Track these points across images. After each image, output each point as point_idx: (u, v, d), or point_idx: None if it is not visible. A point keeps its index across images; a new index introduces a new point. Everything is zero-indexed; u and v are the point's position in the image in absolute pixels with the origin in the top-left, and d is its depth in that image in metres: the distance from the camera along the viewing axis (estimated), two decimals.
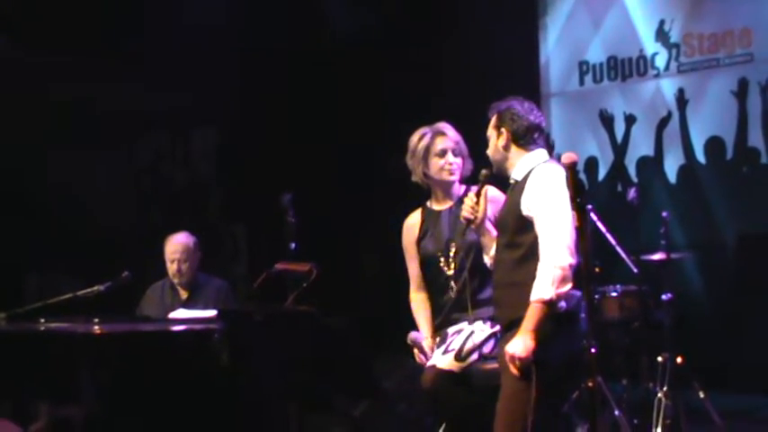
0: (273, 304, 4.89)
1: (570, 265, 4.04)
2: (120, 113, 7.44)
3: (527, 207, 4.16)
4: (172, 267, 6.15)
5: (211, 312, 5.11)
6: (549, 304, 4.02)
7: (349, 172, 8.24)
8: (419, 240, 4.95)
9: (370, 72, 8.25)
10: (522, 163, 4.30)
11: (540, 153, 4.32)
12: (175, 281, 6.17)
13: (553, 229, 4.06)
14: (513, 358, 4.05)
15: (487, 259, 4.47)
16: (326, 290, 4.84)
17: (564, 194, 3.81)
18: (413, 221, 5.00)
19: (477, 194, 4.37)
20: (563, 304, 4.07)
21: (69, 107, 7.26)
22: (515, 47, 8.10)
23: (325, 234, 7.39)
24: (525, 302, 4.06)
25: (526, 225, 4.16)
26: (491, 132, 4.37)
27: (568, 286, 4.05)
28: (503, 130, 4.33)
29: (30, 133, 7.15)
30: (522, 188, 4.21)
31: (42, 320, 4.97)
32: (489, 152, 4.38)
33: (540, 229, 4.09)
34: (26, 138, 7.19)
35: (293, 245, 5.09)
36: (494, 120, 4.37)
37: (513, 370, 4.06)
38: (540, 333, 4.02)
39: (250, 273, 7.32)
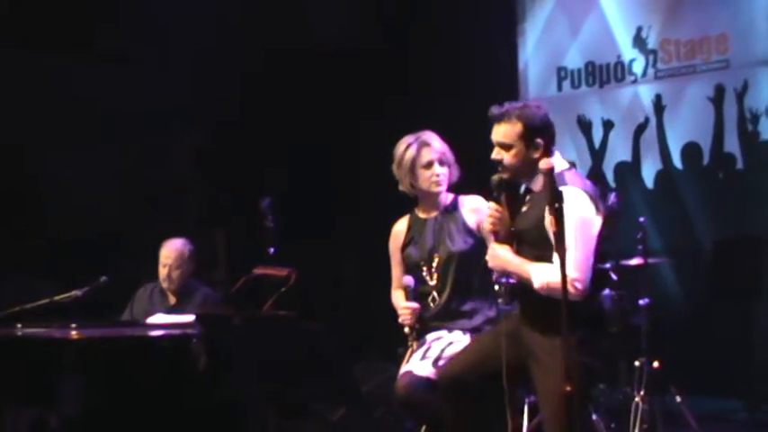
0: (252, 309, 4.88)
1: (577, 290, 3.97)
2: (99, 114, 7.39)
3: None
4: (162, 272, 6.14)
5: (189, 317, 5.10)
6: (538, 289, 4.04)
7: (330, 176, 8.22)
8: (404, 247, 4.96)
9: (352, 76, 8.23)
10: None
11: (558, 160, 4.19)
12: (164, 285, 6.16)
13: (575, 253, 3.94)
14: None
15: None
16: (305, 295, 4.83)
17: (590, 223, 4.03)
18: (400, 228, 5.02)
19: (498, 203, 4.24)
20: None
21: (48, 106, 7.21)
22: (494, 52, 8.11)
23: (304, 238, 7.37)
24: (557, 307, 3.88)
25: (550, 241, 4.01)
26: (515, 142, 4.18)
27: (555, 294, 3.88)
28: (538, 141, 4.18)
29: (6, 132, 7.10)
30: (544, 208, 3.96)
31: (19, 325, 4.93)
32: (510, 162, 4.19)
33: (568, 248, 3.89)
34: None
35: (272, 249, 5.08)
36: (520, 130, 4.17)
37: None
38: (579, 335, 3.89)
39: (229, 277, 7.28)
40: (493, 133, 4.26)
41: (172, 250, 6.14)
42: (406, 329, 4.80)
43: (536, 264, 4.10)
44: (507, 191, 4.26)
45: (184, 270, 6.13)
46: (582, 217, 4.04)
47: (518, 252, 4.23)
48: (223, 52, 7.91)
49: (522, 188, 4.34)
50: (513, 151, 4.19)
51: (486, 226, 4.31)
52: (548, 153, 4.17)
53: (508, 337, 4.20)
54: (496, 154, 4.24)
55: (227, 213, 7.91)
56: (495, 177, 4.23)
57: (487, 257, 4.21)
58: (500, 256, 4.18)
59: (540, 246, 4.10)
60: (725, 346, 6.88)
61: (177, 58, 7.70)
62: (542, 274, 4.04)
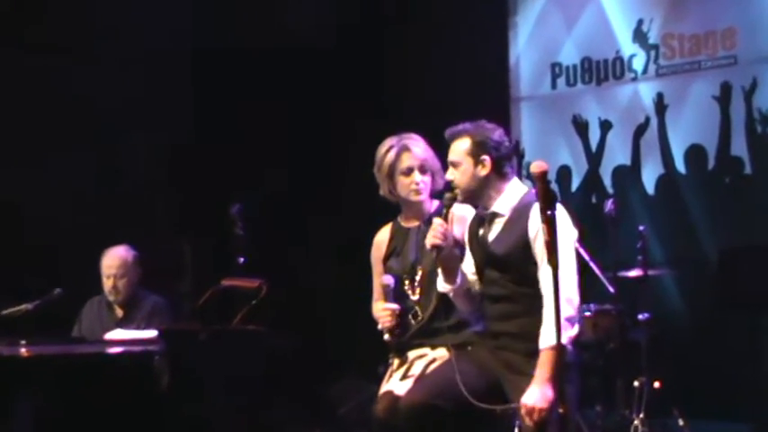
0: (220, 323, 4.89)
1: (575, 308, 4.21)
2: (61, 116, 7.39)
3: (536, 246, 4.27)
4: (107, 283, 6.12)
5: (152, 333, 5.10)
6: (562, 349, 4.07)
7: (303, 182, 8.23)
8: (386, 258, 4.98)
9: (329, 75, 8.26)
10: (506, 194, 4.44)
11: (517, 182, 4.48)
12: (111, 298, 6.15)
13: (565, 271, 4.14)
14: (532, 410, 4.14)
15: (444, 287, 4.53)
16: (278, 308, 4.85)
17: (571, 236, 4.25)
18: (382, 237, 5.04)
19: (445, 218, 4.44)
20: (570, 348, 4.21)
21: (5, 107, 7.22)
22: (483, 47, 8.14)
23: (276, 247, 7.38)
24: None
25: (534, 261, 4.28)
26: (464, 159, 4.44)
27: (577, 328, 4.22)
28: (484, 158, 4.42)
29: None
30: (524, 226, 4.31)
31: None
32: (459, 180, 4.46)
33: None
34: None
35: (242, 259, 5.09)
36: (468, 146, 4.44)
37: (529, 422, 4.14)
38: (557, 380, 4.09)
39: (195, 289, 7.27)
40: (449, 153, 4.54)
41: (114, 259, 6.14)
42: (386, 336, 4.81)
43: (541, 339, 4.19)
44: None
45: (131, 278, 6.13)
46: (569, 232, 4.30)
47: (492, 280, 4.42)
48: (184, 54, 7.94)
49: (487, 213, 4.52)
50: (460, 169, 4.46)
51: (429, 241, 4.41)
52: (500, 175, 4.43)
53: (481, 359, 4.44)
54: (449, 174, 4.52)
55: (194, 220, 7.90)
56: (449, 195, 4.50)
57: (530, 405, 4.16)
58: (534, 391, 4.18)
59: (523, 267, 4.32)
60: (731, 365, 6.90)
61: (135, 56, 7.71)
62: (554, 337, 4.04)
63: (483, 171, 4.42)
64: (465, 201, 4.55)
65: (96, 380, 4.66)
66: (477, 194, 4.47)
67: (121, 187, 7.83)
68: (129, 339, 5.32)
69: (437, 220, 4.44)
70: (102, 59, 7.67)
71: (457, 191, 4.47)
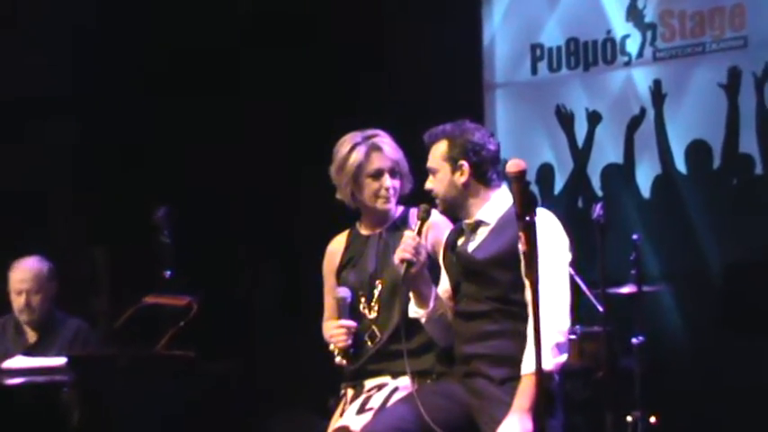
0: (142, 348, 4.87)
1: (564, 337, 4.29)
2: None
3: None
4: (18, 301, 6.08)
5: (59, 360, 5.07)
6: (547, 376, 4.14)
7: (241, 180, 8.20)
8: (340, 269, 4.97)
9: (277, 57, 8.27)
10: (490, 204, 4.50)
11: (506, 191, 4.50)
12: (23, 318, 6.11)
13: (555, 290, 4.26)
14: None
15: (416, 311, 4.54)
16: (210, 329, 4.83)
17: (566, 252, 4.36)
18: (336, 247, 5.04)
19: (419, 233, 4.48)
20: (556, 378, 4.30)
21: None
22: (452, 25, 8.13)
23: (209, 258, 7.36)
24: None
25: (521, 278, 4.28)
26: (440, 165, 4.51)
27: (566, 356, 4.30)
28: (462, 163, 4.48)
29: None
30: (514, 234, 4.22)
31: None
32: (437, 188, 4.52)
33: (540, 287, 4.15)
34: None
35: (168, 272, 5.08)
36: (445, 149, 4.50)
37: None
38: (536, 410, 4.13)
39: (112, 307, 7.24)
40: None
41: (26, 272, 6.10)
42: (338, 358, 4.81)
43: (524, 363, 4.24)
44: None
45: (47, 293, 6.11)
46: (559, 242, 4.39)
47: (468, 294, 4.46)
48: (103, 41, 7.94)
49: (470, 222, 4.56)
50: (439, 176, 4.53)
51: (399, 255, 4.42)
52: (482, 182, 4.49)
53: (449, 387, 4.49)
54: (427, 183, 4.57)
55: (111, 226, 7.87)
56: (424, 206, 4.55)
57: None
58: (512, 421, 4.22)
59: (507, 280, 4.37)
60: (738, 395, 6.94)
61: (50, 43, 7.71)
62: (531, 361, 4.07)
63: (461, 178, 4.48)
64: (445, 211, 4.60)
65: None
66: (457, 204, 4.52)
67: (19, 186, 7.78)
68: (32, 368, 5.27)
69: (409, 233, 4.47)
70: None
71: (437, 201, 4.54)
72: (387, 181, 4.84)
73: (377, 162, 4.84)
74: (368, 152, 4.85)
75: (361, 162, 4.85)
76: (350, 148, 4.88)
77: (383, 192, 4.84)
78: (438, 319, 4.56)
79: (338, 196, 4.95)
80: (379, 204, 4.87)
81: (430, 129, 4.59)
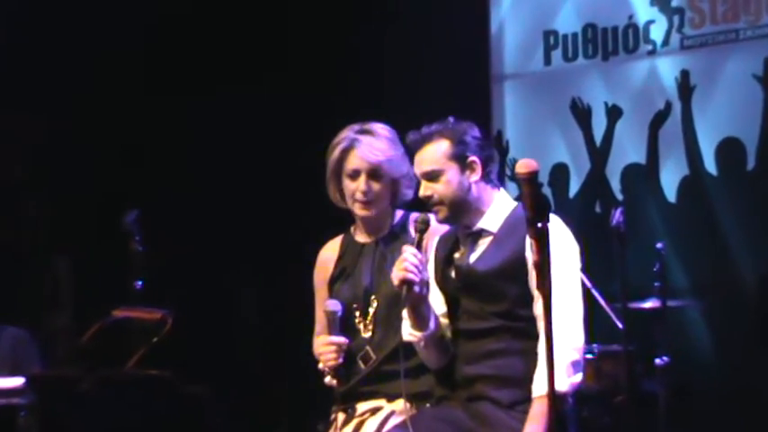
0: (109, 367, 4.86)
1: (579, 354, 4.32)
2: None
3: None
4: None
5: (17, 380, 5.05)
6: (561, 399, 4.17)
7: (217, 183, 8.21)
8: (333, 280, 4.94)
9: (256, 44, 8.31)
10: (495, 207, 4.50)
11: (505, 194, 4.55)
12: None
13: (568, 303, 4.28)
14: None
15: (413, 334, 4.52)
16: (187, 346, 4.83)
17: (577, 261, 4.41)
18: (328, 254, 5.01)
19: (418, 246, 4.43)
20: (570, 400, 4.32)
21: None
22: (458, 11, 8.15)
23: (184, 267, 7.36)
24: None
25: (530, 293, 4.35)
26: (446, 165, 4.45)
27: (581, 375, 4.31)
28: (473, 159, 4.46)
29: None
30: (520, 243, 4.34)
31: None
32: (443, 193, 4.46)
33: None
34: None
35: (139, 283, 5.08)
36: (448, 149, 4.45)
37: None
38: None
39: (76, 322, 7.25)
40: (415, 166, 4.54)
41: None
42: (328, 378, 4.79)
43: (535, 384, 4.27)
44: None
45: None
46: (571, 252, 4.43)
47: (469, 311, 4.46)
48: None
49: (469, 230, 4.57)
50: (444, 178, 4.46)
51: (399, 275, 4.36)
52: (489, 182, 4.51)
53: (450, 412, 4.46)
54: (425, 190, 4.49)
55: (74, 231, 7.88)
56: (421, 217, 4.48)
57: None
58: None
59: (513, 294, 4.39)
60: None
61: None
62: (544, 381, 4.07)
63: (473, 176, 4.46)
64: (448, 219, 4.52)
65: None
66: (464, 209, 4.49)
67: None
68: None
69: (409, 249, 4.40)
70: None
71: (440, 213, 4.49)
72: (362, 183, 4.74)
73: (354, 161, 4.77)
74: (347, 148, 4.78)
75: (339, 158, 4.80)
76: (335, 143, 4.83)
77: (358, 195, 4.76)
78: (436, 343, 4.52)
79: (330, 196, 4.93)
80: (356, 209, 4.81)
81: (420, 127, 4.54)
